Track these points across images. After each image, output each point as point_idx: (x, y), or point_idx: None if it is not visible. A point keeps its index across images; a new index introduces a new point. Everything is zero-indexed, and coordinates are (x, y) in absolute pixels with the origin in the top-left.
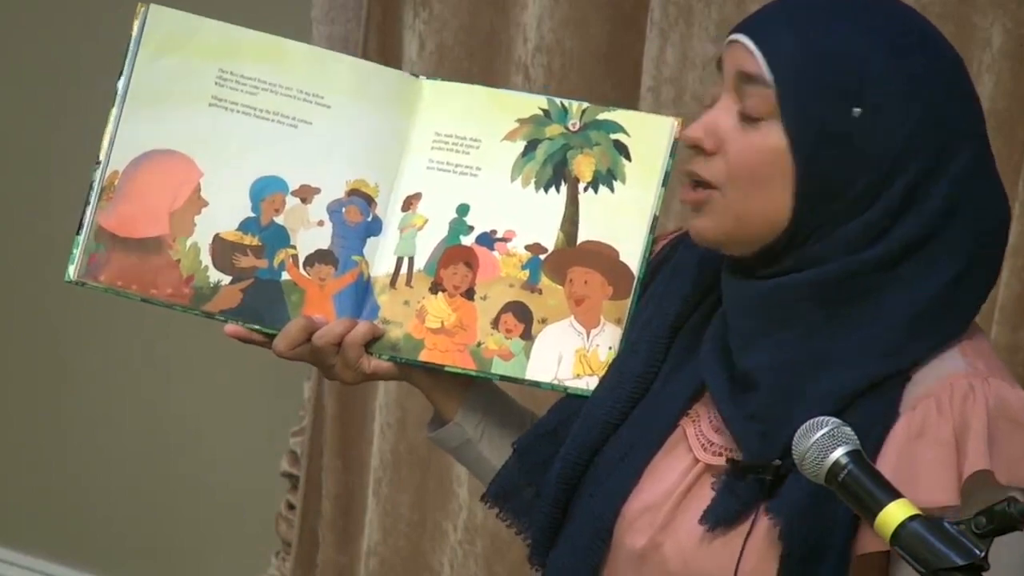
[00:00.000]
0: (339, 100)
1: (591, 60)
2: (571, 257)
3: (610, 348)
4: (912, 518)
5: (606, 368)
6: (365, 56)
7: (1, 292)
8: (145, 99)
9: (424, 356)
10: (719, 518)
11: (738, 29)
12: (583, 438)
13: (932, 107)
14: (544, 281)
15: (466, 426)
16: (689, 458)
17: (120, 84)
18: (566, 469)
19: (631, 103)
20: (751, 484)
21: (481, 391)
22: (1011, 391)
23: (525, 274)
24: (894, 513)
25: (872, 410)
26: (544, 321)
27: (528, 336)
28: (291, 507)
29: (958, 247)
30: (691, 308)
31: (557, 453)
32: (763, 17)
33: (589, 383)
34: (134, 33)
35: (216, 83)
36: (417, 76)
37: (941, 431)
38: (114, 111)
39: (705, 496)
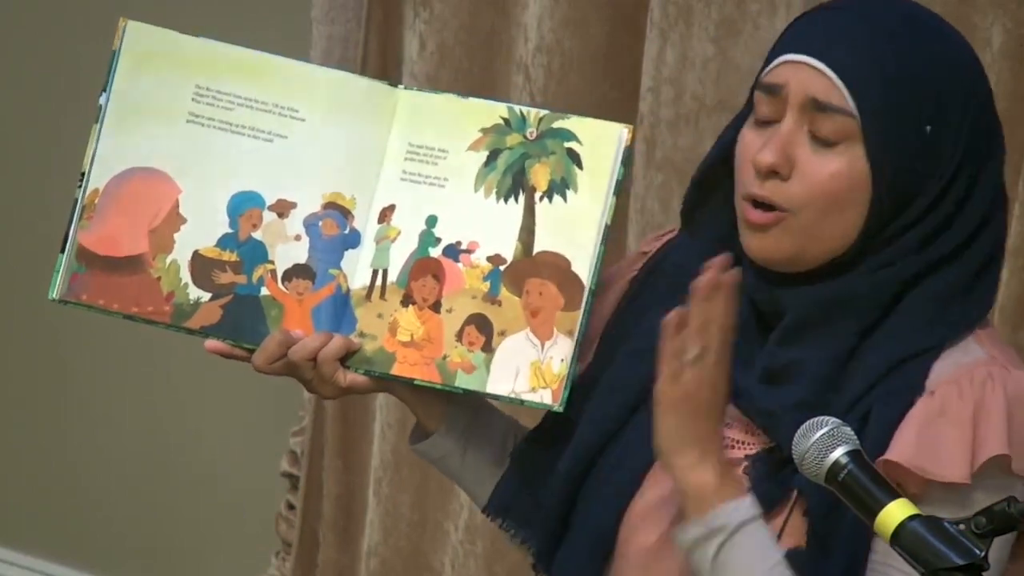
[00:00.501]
0: (314, 114)
1: (591, 60)
2: (528, 268)
3: (562, 360)
4: (912, 518)
5: (559, 381)
6: (365, 56)
7: (1, 292)
8: (124, 116)
9: (395, 370)
10: (760, 504)
11: (800, 50)
12: (582, 445)
13: (980, 119)
14: (504, 292)
15: (449, 438)
16: None
17: (102, 100)
18: (566, 477)
19: (631, 103)
20: (788, 471)
21: (463, 403)
22: None
23: (486, 286)
24: (894, 513)
25: (901, 381)
26: (503, 333)
27: (489, 348)
28: (291, 507)
29: (988, 244)
30: None
31: (553, 459)
32: (831, 40)
33: (543, 396)
34: (114, 49)
35: (193, 99)
36: (395, 85)
37: (962, 412)
38: (95, 128)
39: None
